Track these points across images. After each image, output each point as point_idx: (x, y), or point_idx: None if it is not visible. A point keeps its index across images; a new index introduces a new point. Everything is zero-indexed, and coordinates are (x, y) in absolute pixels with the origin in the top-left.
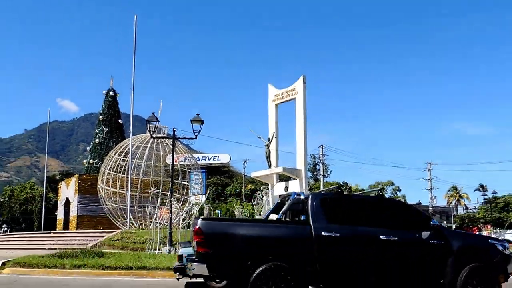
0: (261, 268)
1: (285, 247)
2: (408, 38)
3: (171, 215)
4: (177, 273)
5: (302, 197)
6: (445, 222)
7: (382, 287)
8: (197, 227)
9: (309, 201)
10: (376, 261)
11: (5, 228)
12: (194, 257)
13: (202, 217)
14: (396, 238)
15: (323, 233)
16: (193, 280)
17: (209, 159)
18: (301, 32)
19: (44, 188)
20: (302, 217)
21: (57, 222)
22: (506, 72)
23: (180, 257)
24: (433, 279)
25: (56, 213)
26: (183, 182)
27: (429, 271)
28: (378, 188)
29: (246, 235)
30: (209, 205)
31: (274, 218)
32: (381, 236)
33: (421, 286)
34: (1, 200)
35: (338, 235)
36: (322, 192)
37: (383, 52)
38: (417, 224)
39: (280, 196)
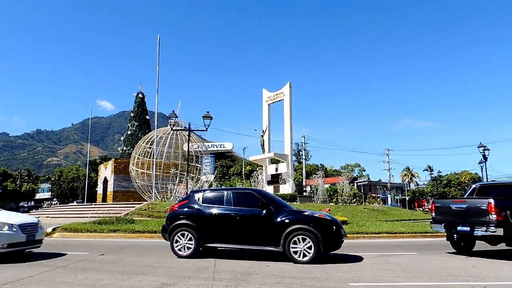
0: None
1: None
2: (376, 52)
3: (187, 190)
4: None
5: None
6: (400, 195)
7: None
8: (493, 204)
9: None
10: None
11: (56, 201)
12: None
13: (494, 197)
14: None
15: None
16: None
17: (216, 147)
18: (289, 45)
19: (87, 169)
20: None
21: (97, 196)
22: (443, 78)
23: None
24: None
25: (96, 189)
26: (197, 165)
27: None
28: None
29: None
30: (217, 182)
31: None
32: None
33: None
34: (53, 179)
35: None
36: None
37: (351, 62)
38: None
39: (477, 183)
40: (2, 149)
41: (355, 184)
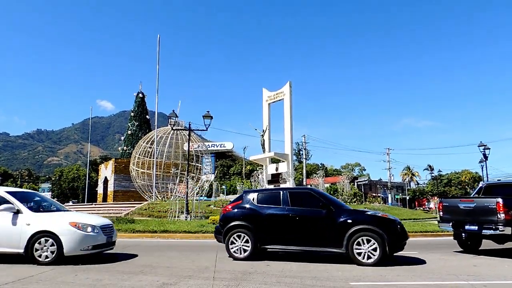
0: None
1: None
2: (371, 48)
3: (187, 190)
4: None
5: None
6: (400, 194)
7: None
8: (501, 203)
9: None
10: None
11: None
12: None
13: (502, 196)
14: None
15: None
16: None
17: (217, 146)
18: (289, 44)
19: (87, 169)
20: None
21: (98, 196)
22: (443, 78)
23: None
24: None
25: (97, 189)
26: (197, 164)
27: None
28: None
29: None
30: (217, 182)
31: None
32: None
33: None
34: (53, 179)
35: None
36: None
37: (351, 61)
38: None
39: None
40: (3, 149)
41: (356, 183)
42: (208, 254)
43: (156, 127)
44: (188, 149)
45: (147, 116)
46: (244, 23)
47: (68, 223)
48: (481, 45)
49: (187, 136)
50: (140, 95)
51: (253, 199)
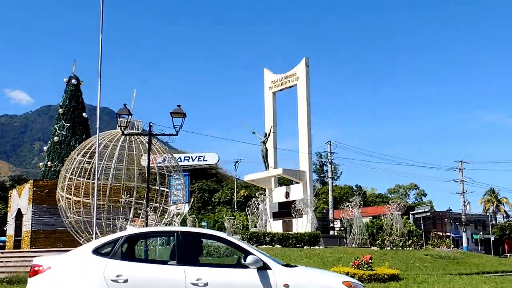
0: None
1: None
2: (434, 21)
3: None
4: None
5: None
6: (481, 233)
7: None
8: None
9: None
10: None
11: None
12: None
13: None
14: None
15: None
16: None
17: (193, 160)
18: (301, 7)
19: None
20: None
21: (7, 239)
22: None
23: None
24: None
25: (5, 228)
26: (162, 188)
27: None
28: None
29: None
30: (194, 215)
31: None
32: None
33: None
34: None
35: None
36: None
37: (402, 34)
38: None
39: None
40: None
41: (411, 216)
42: None
43: (98, 130)
44: (148, 164)
45: (84, 114)
46: None
47: (342, 283)
48: None
49: (146, 145)
50: (74, 81)
51: None
